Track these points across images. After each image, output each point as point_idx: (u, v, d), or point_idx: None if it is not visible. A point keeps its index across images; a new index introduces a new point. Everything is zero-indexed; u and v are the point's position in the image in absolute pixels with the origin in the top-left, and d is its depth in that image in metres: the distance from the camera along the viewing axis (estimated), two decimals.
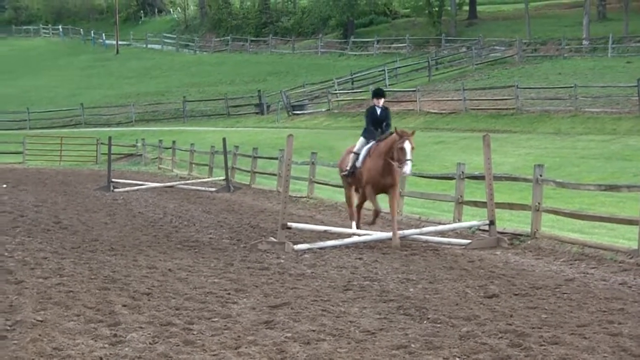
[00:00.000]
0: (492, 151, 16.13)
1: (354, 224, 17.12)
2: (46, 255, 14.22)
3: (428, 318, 9.63)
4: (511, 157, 33.59)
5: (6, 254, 14.33)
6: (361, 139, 16.81)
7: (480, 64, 60.99)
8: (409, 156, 15.58)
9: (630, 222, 14.61)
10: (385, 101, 17.16)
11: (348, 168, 16.91)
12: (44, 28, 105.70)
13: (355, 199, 17.43)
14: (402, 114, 50.00)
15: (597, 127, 39.94)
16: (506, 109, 45.22)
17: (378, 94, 17.08)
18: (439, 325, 9.28)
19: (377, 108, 16.82)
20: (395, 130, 15.92)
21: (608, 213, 15.96)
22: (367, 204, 17.50)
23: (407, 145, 15.57)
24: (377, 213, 16.59)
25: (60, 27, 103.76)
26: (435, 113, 48.98)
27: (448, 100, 50.07)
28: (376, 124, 16.74)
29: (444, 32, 72.12)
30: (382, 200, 16.89)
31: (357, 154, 16.74)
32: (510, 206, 17.79)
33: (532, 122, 41.65)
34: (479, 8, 78.89)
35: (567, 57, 58.45)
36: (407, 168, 15.64)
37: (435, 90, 54.22)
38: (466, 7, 77.78)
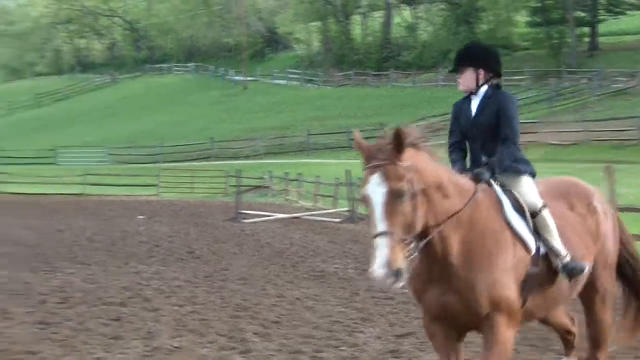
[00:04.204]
0: (616, 182, 15.93)
1: None
2: (180, 284, 14.66)
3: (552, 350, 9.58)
4: (635, 188, 32.82)
5: (144, 282, 14.88)
6: None
7: (602, 95, 59.82)
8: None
9: None
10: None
11: None
12: (176, 66, 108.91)
13: None
14: (524, 146, 49.70)
15: None
16: (629, 139, 44.25)
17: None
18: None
19: None
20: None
21: None
22: None
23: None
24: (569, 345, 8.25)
25: (191, 65, 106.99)
26: (556, 145, 48.35)
27: (570, 131, 49.38)
28: None
29: (564, 63, 71.11)
30: None
31: None
32: (637, 238, 17.54)
33: None
34: (600, 39, 77.39)
35: None
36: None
37: (556, 122, 53.50)
38: (587, 39, 76.50)
